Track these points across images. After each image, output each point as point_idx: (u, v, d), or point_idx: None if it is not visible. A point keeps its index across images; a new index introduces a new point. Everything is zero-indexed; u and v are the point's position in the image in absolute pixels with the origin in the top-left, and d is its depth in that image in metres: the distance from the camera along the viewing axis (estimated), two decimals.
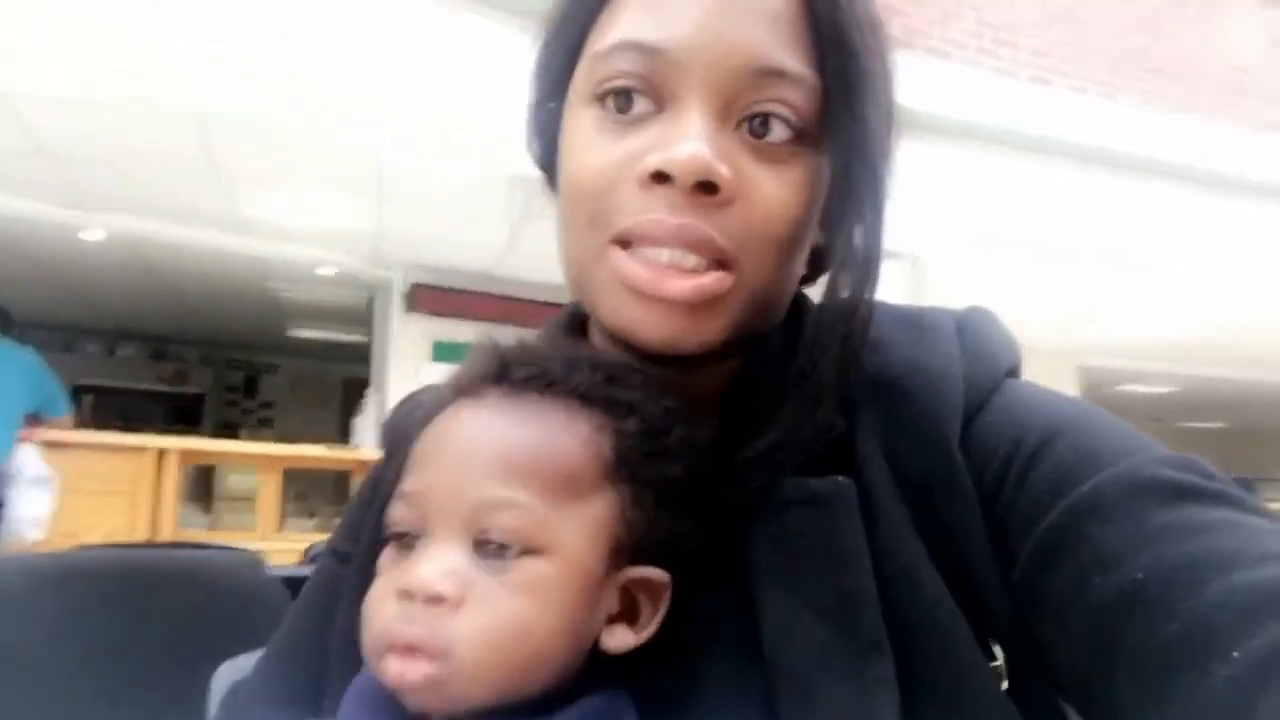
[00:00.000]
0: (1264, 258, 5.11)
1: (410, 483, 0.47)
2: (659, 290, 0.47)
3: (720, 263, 0.48)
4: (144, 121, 3.81)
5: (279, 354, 9.78)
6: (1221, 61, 4.81)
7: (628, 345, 0.50)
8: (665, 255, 0.47)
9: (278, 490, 4.87)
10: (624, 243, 0.48)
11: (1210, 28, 4.84)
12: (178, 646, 1.43)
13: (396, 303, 6.01)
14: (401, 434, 0.55)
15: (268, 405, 9.99)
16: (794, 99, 0.48)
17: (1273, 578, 0.37)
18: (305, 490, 7.35)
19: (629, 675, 0.47)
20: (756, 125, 0.49)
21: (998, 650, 0.46)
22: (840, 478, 0.49)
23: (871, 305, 0.51)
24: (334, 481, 8.03)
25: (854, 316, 0.51)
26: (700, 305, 0.48)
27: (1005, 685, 0.46)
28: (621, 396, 0.48)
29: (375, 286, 6.35)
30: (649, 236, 0.47)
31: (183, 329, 8.76)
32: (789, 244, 0.50)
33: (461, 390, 0.49)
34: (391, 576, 0.45)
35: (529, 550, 0.43)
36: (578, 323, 0.61)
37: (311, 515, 5.72)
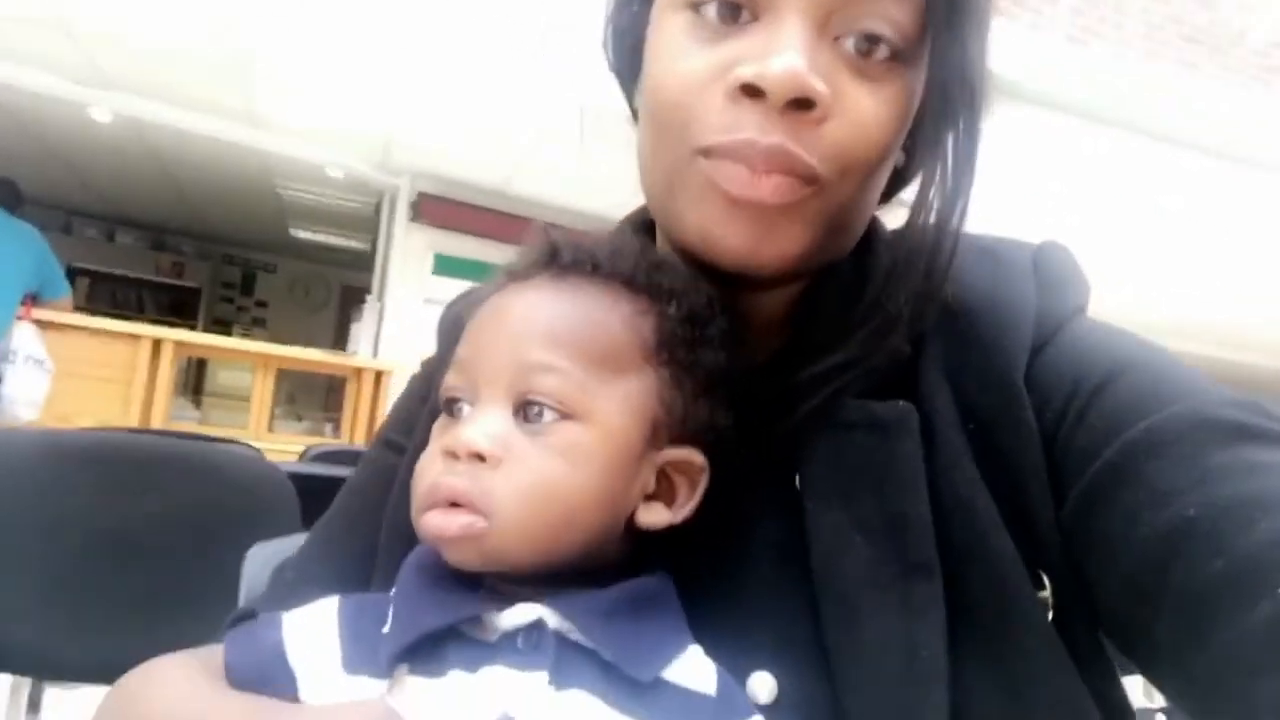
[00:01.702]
0: None
1: (461, 351, 0.50)
2: (751, 192, 0.47)
3: (807, 180, 0.48)
4: (168, 5, 3.79)
5: (278, 253, 9.76)
6: (1262, 35, 4.74)
7: (701, 266, 0.51)
8: (751, 167, 0.47)
9: (270, 390, 4.93)
10: (710, 155, 0.48)
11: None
12: (177, 531, 1.49)
13: (402, 210, 5.99)
14: (456, 328, 0.56)
15: (263, 305, 10.00)
16: (897, 16, 0.48)
17: None
18: (295, 393, 7.43)
19: (674, 572, 0.49)
20: (859, 41, 0.48)
21: (1046, 582, 0.47)
22: (902, 402, 0.50)
23: (959, 232, 0.51)
24: (326, 387, 8.09)
25: (941, 243, 0.51)
26: (785, 211, 0.48)
27: (1050, 616, 0.46)
28: (666, 283, 0.50)
29: (382, 193, 6.33)
30: (737, 156, 0.47)
31: (182, 220, 8.74)
32: (878, 164, 0.50)
33: (513, 275, 0.52)
34: (439, 442, 0.47)
35: (567, 415, 0.46)
36: (644, 229, 0.61)
37: (299, 419, 5.80)
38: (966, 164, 0.51)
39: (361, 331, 5.96)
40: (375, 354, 5.82)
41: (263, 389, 4.89)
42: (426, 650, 0.44)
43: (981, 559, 0.46)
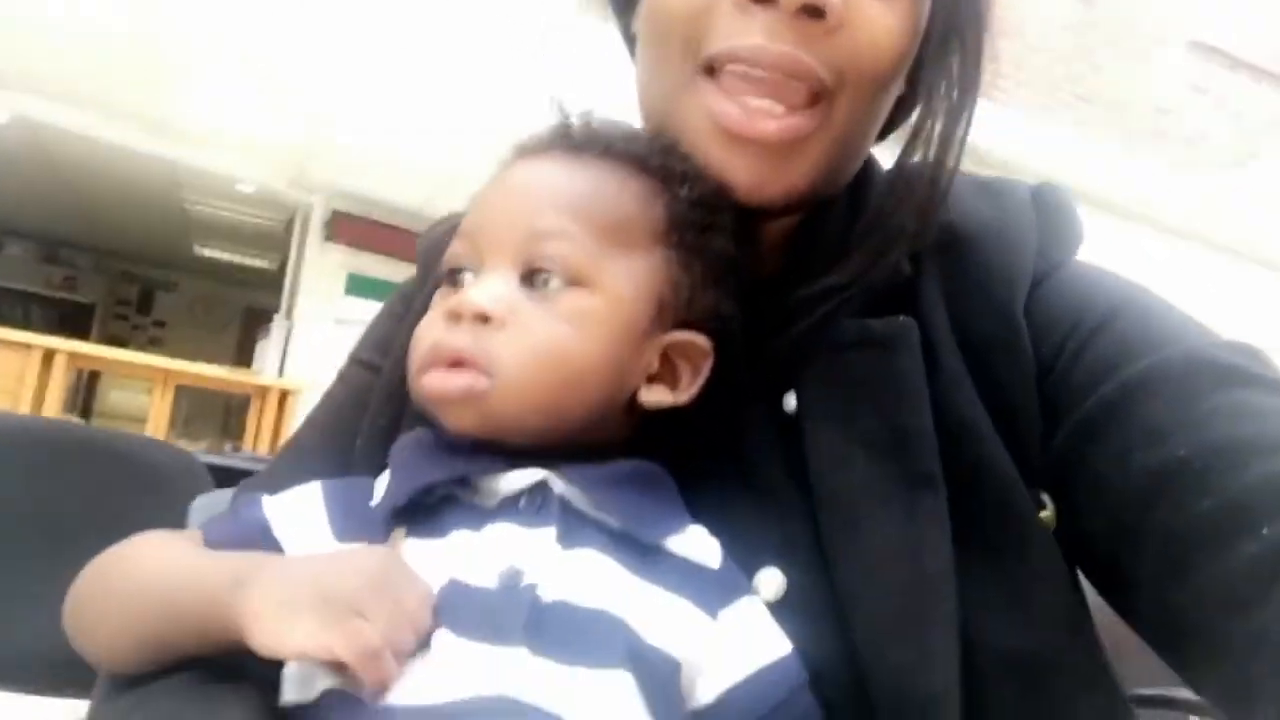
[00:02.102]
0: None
1: (467, 222, 0.49)
2: (751, 129, 0.47)
3: (815, 96, 0.47)
4: None
5: (180, 271, 9.46)
6: (1146, 101, 5.09)
7: None
8: (754, 102, 0.47)
9: (168, 410, 4.75)
10: (713, 69, 0.48)
11: (1141, 67, 5.11)
12: (92, 515, 1.44)
13: (316, 229, 5.89)
14: (437, 248, 0.54)
15: (160, 324, 9.66)
16: None
17: None
18: (193, 416, 7.17)
19: (673, 473, 0.48)
20: None
21: (1047, 503, 0.47)
22: (903, 317, 0.49)
23: (961, 151, 0.51)
24: (224, 408, 7.80)
25: (943, 159, 0.51)
26: (790, 146, 0.48)
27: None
28: (678, 167, 0.49)
29: (295, 210, 6.21)
30: (744, 60, 0.47)
31: (78, 232, 8.40)
32: (887, 79, 0.49)
33: (523, 151, 0.51)
34: (442, 308, 0.46)
35: (575, 281, 0.45)
36: None
37: (197, 440, 5.59)
38: (971, 82, 0.51)
39: (267, 350, 5.80)
40: (280, 373, 5.68)
41: (160, 407, 4.71)
42: (424, 515, 0.44)
43: (984, 476, 0.46)
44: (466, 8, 3.56)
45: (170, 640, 0.43)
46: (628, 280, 0.47)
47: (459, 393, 0.44)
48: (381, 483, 0.47)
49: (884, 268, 0.50)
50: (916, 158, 0.52)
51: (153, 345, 9.36)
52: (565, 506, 0.44)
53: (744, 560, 0.47)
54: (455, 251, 0.48)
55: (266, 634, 0.38)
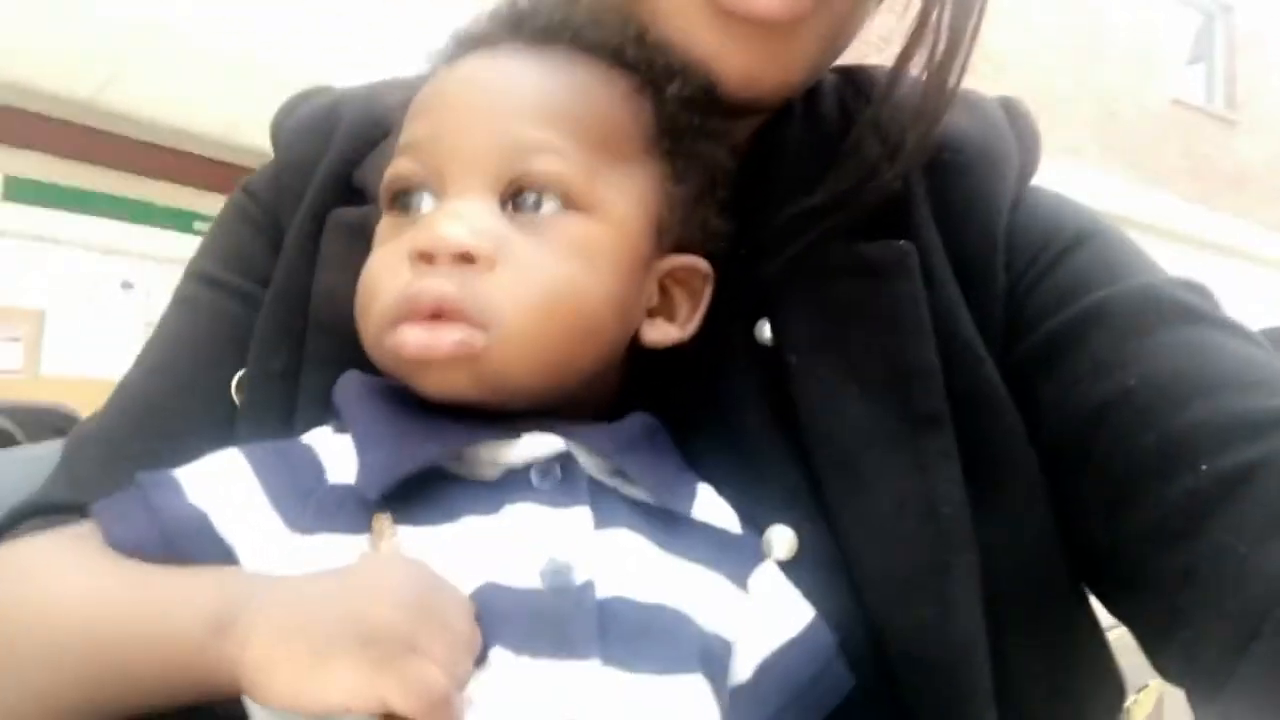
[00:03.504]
0: None
1: (414, 130, 0.40)
2: (749, 6, 0.41)
3: None
4: None
5: None
6: None
7: None
8: None
9: None
10: None
11: None
12: None
13: None
14: (306, 136, 0.47)
15: None
16: None
17: (1257, 406, 0.39)
18: None
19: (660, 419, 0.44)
20: None
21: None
22: (902, 241, 0.46)
23: (972, 47, 0.47)
24: None
25: (951, 59, 0.47)
26: (792, 28, 0.42)
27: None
28: (660, 60, 0.43)
29: None
30: None
31: None
32: None
33: (468, 40, 0.43)
34: (399, 244, 0.38)
35: (571, 205, 0.39)
36: None
37: None
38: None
39: None
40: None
41: None
42: (413, 496, 0.36)
43: (993, 404, 0.45)
44: None
45: (113, 708, 0.33)
46: (625, 200, 0.41)
47: (449, 352, 0.36)
48: (322, 444, 0.38)
49: (877, 186, 0.46)
50: (919, 58, 0.47)
51: None
52: (588, 479, 0.39)
53: (749, 516, 0.44)
54: (402, 171, 0.40)
55: (289, 687, 0.30)
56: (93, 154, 5.02)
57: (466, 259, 0.37)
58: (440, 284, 0.37)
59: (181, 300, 0.54)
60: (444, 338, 0.36)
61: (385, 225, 0.41)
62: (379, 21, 3.80)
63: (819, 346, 0.46)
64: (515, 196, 0.39)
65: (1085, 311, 0.45)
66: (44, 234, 5.21)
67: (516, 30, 0.43)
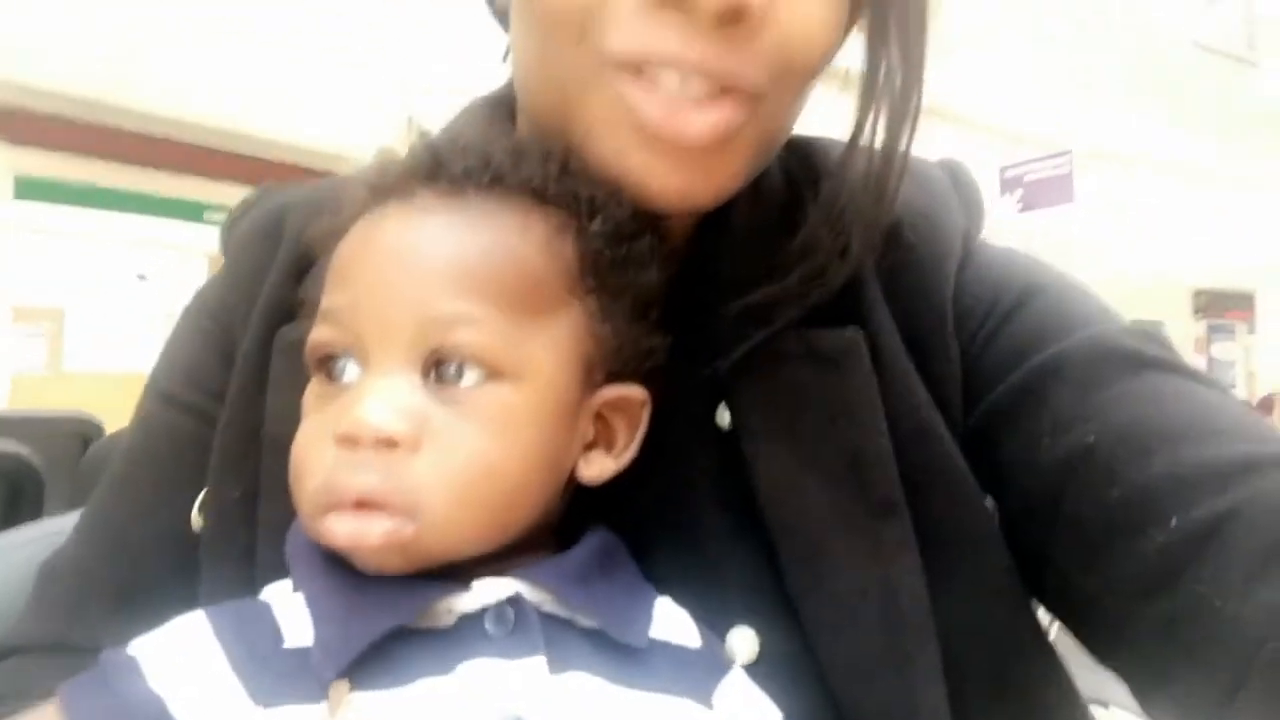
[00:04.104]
0: None
1: (334, 297, 0.40)
2: (677, 132, 0.41)
3: (745, 99, 0.42)
4: None
5: None
6: None
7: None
8: (678, 81, 0.41)
9: None
10: (628, 67, 0.41)
11: None
12: None
13: None
14: (250, 245, 0.47)
15: None
16: None
17: (1219, 455, 0.39)
18: None
19: (612, 525, 0.44)
20: None
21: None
22: (849, 330, 0.47)
23: (910, 146, 0.47)
24: None
25: (892, 155, 0.46)
26: (720, 146, 0.42)
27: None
28: (583, 192, 0.43)
29: None
30: (657, 76, 0.41)
31: None
32: (819, 69, 0.45)
33: (385, 191, 0.42)
34: (324, 418, 0.38)
35: (493, 372, 0.39)
36: (507, 116, 0.53)
37: None
38: (914, 69, 0.46)
39: None
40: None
41: None
42: (366, 658, 0.36)
43: (948, 485, 0.46)
44: None
45: None
46: (551, 355, 0.40)
47: (378, 543, 0.36)
48: (279, 603, 0.38)
49: (827, 285, 0.47)
50: (860, 156, 0.47)
51: None
52: (541, 616, 0.39)
53: (710, 619, 0.44)
54: (324, 338, 0.40)
55: None
56: (101, 149, 5.04)
57: (389, 444, 0.37)
58: (363, 478, 0.37)
59: (142, 419, 0.55)
60: (372, 528, 0.36)
61: (312, 392, 0.41)
62: (379, 21, 3.80)
63: (775, 435, 0.46)
64: (437, 366, 0.39)
65: (1039, 369, 0.46)
66: (57, 231, 5.27)
67: (433, 178, 0.42)
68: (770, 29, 0.41)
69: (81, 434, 2.14)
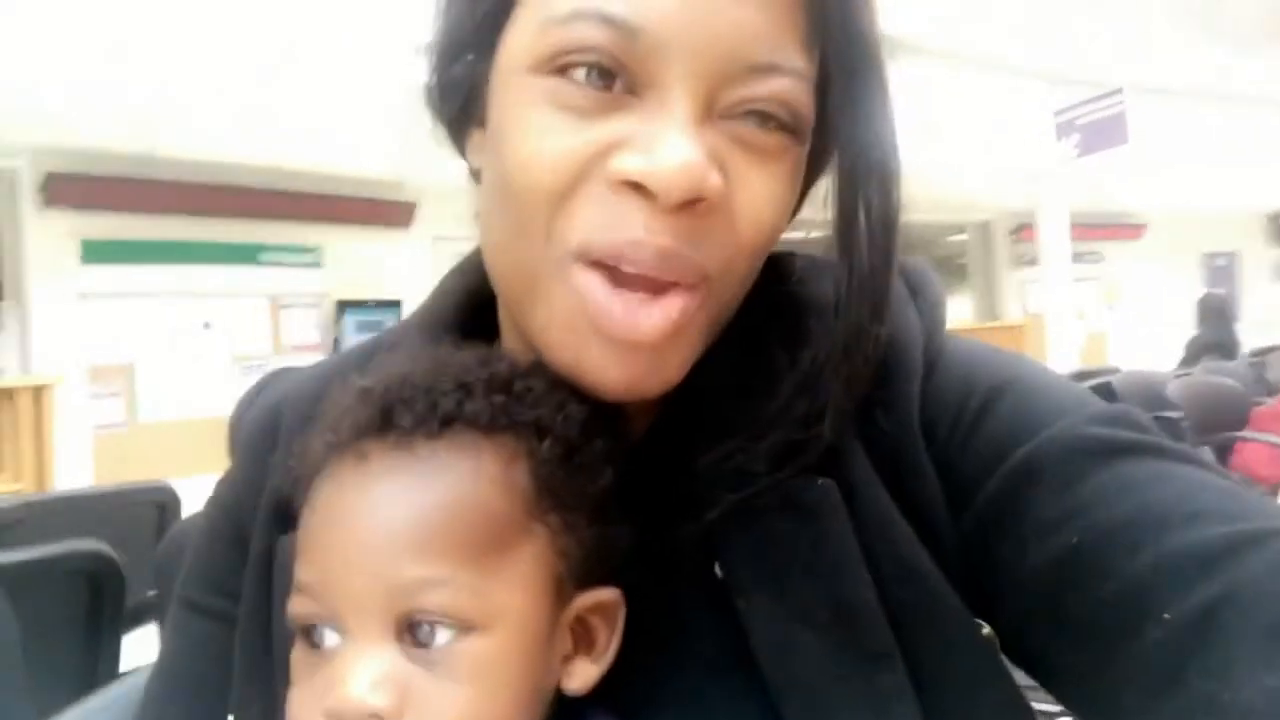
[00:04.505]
0: None
1: (306, 572, 0.42)
2: (632, 332, 0.43)
3: (696, 281, 0.44)
4: None
5: None
6: None
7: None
8: (632, 294, 0.42)
9: None
10: (589, 260, 0.43)
11: None
12: None
13: (28, 197, 5.24)
14: (257, 440, 0.50)
15: None
16: (791, 95, 0.43)
17: (1202, 539, 0.39)
18: None
19: (608, 694, 0.45)
20: (749, 123, 0.43)
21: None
22: (821, 480, 0.47)
23: (885, 315, 0.47)
24: None
25: (870, 331, 0.47)
26: (670, 340, 0.44)
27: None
28: (528, 417, 0.44)
29: None
30: (624, 260, 0.42)
31: None
32: (768, 247, 0.47)
33: (339, 446, 0.43)
34: (312, 690, 0.40)
35: (466, 627, 0.40)
36: (472, 310, 0.55)
37: None
38: (884, 251, 0.47)
39: (3, 347, 5.19)
40: (28, 368, 5.13)
41: None
42: None
43: (938, 624, 0.45)
44: None
45: None
46: (519, 591, 0.41)
47: None
48: None
49: (803, 454, 0.47)
50: (839, 328, 0.47)
51: None
52: None
53: None
54: (301, 610, 0.42)
55: None
56: (154, 204, 5.22)
57: (376, 718, 0.38)
58: None
59: (174, 628, 0.56)
60: None
61: (298, 658, 0.43)
62: (416, 56, 3.84)
63: (764, 588, 0.46)
64: (411, 630, 0.40)
65: (1012, 474, 0.45)
66: (124, 290, 5.45)
67: (384, 431, 0.43)
68: (722, 212, 0.43)
69: (158, 502, 2.21)
